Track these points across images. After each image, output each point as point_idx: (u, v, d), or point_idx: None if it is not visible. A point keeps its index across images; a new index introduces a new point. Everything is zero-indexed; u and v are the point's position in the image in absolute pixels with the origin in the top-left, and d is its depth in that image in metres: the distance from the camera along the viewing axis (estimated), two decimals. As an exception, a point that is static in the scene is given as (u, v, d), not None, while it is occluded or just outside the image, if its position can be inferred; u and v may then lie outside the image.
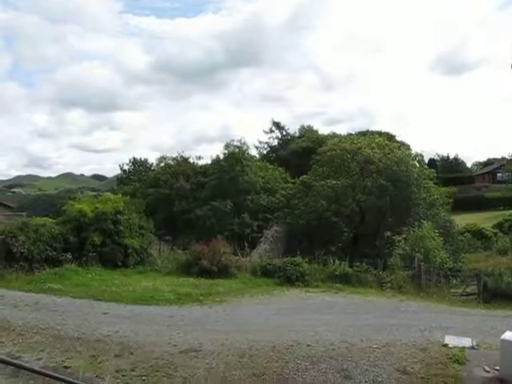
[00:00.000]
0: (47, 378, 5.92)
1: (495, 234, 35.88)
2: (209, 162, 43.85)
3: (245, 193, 37.43)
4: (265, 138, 63.06)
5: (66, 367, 8.17)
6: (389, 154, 29.64)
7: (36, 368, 3.83)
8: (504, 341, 7.70)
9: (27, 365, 4.14)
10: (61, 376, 3.90)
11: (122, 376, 7.94)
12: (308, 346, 9.59)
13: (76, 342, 9.69)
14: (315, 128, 64.48)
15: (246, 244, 25.28)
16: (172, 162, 44.72)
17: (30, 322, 11.13)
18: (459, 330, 11.36)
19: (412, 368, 8.31)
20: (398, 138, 53.10)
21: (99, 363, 8.51)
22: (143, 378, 7.92)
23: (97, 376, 7.86)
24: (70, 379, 4.18)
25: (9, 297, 14.06)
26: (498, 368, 7.87)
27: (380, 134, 45.10)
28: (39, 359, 8.51)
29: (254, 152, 54.94)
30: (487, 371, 8.02)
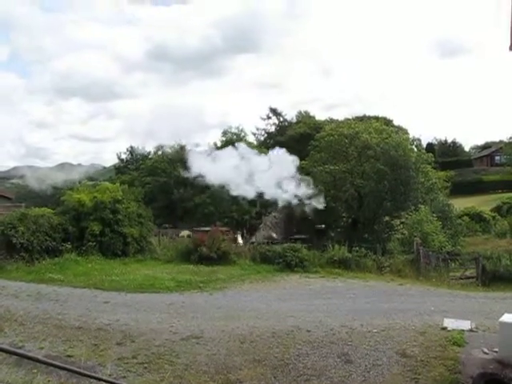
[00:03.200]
0: (50, 367, 5.97)
1: (494, 217, 35.97)
2: (206, 149, 43.82)
3: (243, 180, 37.40)
4: (262, 124, 63.06)
5: (68, 356, 8.22)
6: (386, 138, 29.55)
7: (39, 357, 3.85)
8: (502, 323, 7.76)
9: (30, 354, 4.15)
10: (63, 365, 3.93)
11: (124, 364, 8.00)
12: (308, 331, 9.66)
13: (78, 331, 9.74)
14: (312, 114, 64.33)
15: (244, 230, 25.35)
16: (169, 150, 44.68)
17: (32, 311, 11.17)
18: (458, 312, 11.43)
19: (412, 351, 8.39)
20: (396, 123, 53.10)
21: (101, 351, 8.56)
22: (145, 365, 7.98)
23: (99, 364, 7.91)
24: (73, 368, 4.22)
25: (10, 287, 14.08)
26: (496, 350, 7.95)
27: (377, 118, 44.98)
28: (41, 348, 8.55)
29: (251, 138, 55.04)
30: (486, 353, 8.10)
